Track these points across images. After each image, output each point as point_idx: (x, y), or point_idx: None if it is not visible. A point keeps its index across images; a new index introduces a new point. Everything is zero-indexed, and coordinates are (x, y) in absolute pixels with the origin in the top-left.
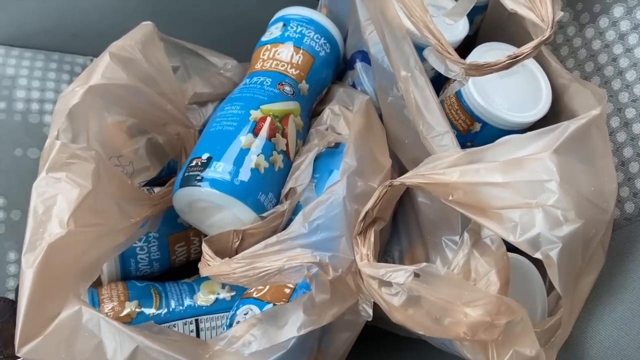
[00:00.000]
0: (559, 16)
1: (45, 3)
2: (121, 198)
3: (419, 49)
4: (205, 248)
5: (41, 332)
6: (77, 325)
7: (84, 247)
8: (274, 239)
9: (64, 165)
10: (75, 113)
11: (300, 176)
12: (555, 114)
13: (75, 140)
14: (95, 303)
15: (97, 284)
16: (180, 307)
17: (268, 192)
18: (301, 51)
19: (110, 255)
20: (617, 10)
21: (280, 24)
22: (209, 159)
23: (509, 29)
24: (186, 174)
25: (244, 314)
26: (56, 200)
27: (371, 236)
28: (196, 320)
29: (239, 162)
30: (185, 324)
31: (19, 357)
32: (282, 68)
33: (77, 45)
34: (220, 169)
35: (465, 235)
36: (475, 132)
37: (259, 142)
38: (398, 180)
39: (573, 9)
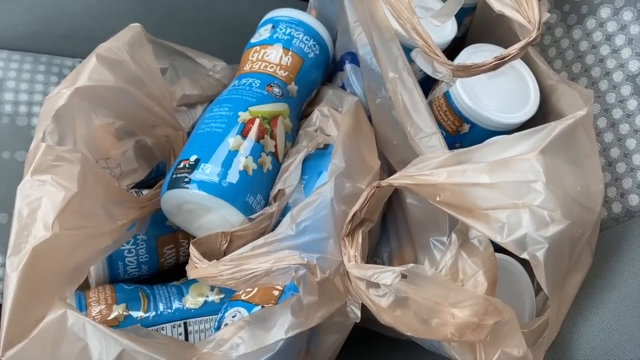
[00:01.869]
0: (545, 17)
1: (34, 5)
2: (108, 200)
3: (407, 50)
4: (192, 250)
5: (26, 336)
6: (62, 328)
7: (69, 250)
8: (261, 240)
9: (49, 168)
10: (62, 115)
11: (289, 178)
12: (543, 115)
13: (62, 143)
14: (83, 306)
15: (85, 287)
16: (169, 310)
17: (256, 193)
18: (290, 53)
19: (97, 258)
20: (604, 12)
21: (270, 25)
22: (197, 161)
23: (497, 30)
24: (174, 175)
25: (232, 317)
26: (41, 203)
27: (359, 237)
28: (185, 323)
29: (227, 163)
30: (174, 327)
31: None
32: (271, 69)
33: (66, 47)
34: (208, 171)
35: (453, 236)
36: (464, 133)
37: (247, 144)
38: (386, 182)
39: (560, 10)
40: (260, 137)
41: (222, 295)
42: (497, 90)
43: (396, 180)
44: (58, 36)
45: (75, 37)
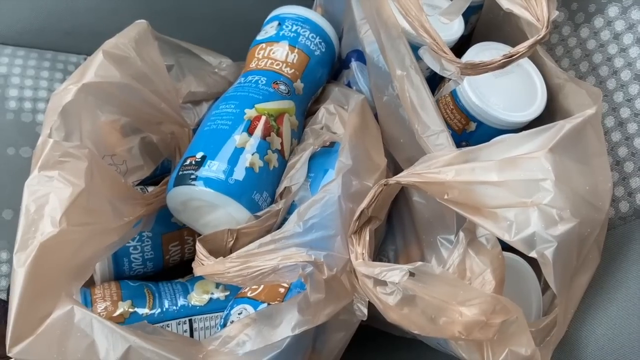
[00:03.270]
0: (554, 15)
1: (39, 1)
2: (114, 197)
3: (415, 48)
4: (199, 247)
5: (33, 332)
6: (69, 325)
7: (76, 246)
8: (268, 238)
9: (56, 164)
10: (68, 111)
11: (295, 175)
12: (550, 114)
13: (68, 139)
14: (88, 303)
15: (90, 283)
16: (174, 307)
17: (263, 191)
18: (296, 50)
19: (103, 255)
20: (612, 10)
21: (276, 22)
22: (204, 158)
23: (504, 28)
24: (180, 172)
25: (238, 314)
26: (48, 198)
27: (366, 235)
28: (190, 320)
29: (233, 161)
30: (179, 324)
31: (10, 358)
32: (277, 67)
33: (71, 43)
34: (214, 168)
35: (461, 234)
36: (471, 132)
37: (253, 141)
38: (393, 179)
39: (568, 9)
40: (266, 134)
41: (227, 293)
42: (504, 89)
43: (404, 178)
44: (63, 32)
45: (80, 34)
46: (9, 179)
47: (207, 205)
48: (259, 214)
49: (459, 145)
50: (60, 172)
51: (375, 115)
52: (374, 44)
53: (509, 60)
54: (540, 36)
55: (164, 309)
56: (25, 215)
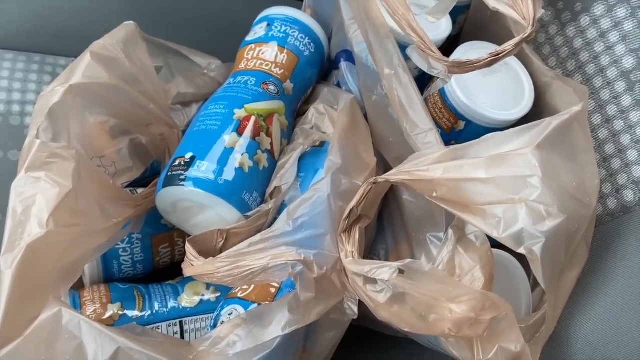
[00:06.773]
0: (540, 14)
1: (27, 4)
2: (102, 198)
3: (403, 47)
4: (189, 248)
5: (20, 334)
6: (57, 326)
7: (64, 247)
8: (258, 237)
9: (43, 165)
10: (56, 112)
11: (285, 175)
12: (538, 112)
13: (56, 140)
14: (77, 305)
15: (79, 286)
16: (164, 309)
17: (252, 191)
18: (285, 51)
19: (92, 256)
20: (598, 9)
21: (265, 23)
22: (193, 158)
23: (491, 28)
24: (169, 173)
25: (229, 314)
26: (35, 199)
27: (356, 233)
28: (180, 322)
29: (223, 161)
30: (170, 326)
31: None
32: (267, 67)
33: (59, 46)
34: (204, 168)
35: (450, 231)
36: (459, 131)
37: (243, 141)
38: (382, 177)
39: (554, 8)
40: (256, 134)
41: (218, 294)
42: (492, 88)
43: (393, 176)
44: (51, 35)
45: (69, 36)
46: None
47: (196, 205)
48: (248, 214)
49: (448, 144)
50: (47, 173)
51: (365, 115)
52: (363, 44)
53: (495, 59)
54: (526, 34)
55: (154, 311)
56: (12, 216)
